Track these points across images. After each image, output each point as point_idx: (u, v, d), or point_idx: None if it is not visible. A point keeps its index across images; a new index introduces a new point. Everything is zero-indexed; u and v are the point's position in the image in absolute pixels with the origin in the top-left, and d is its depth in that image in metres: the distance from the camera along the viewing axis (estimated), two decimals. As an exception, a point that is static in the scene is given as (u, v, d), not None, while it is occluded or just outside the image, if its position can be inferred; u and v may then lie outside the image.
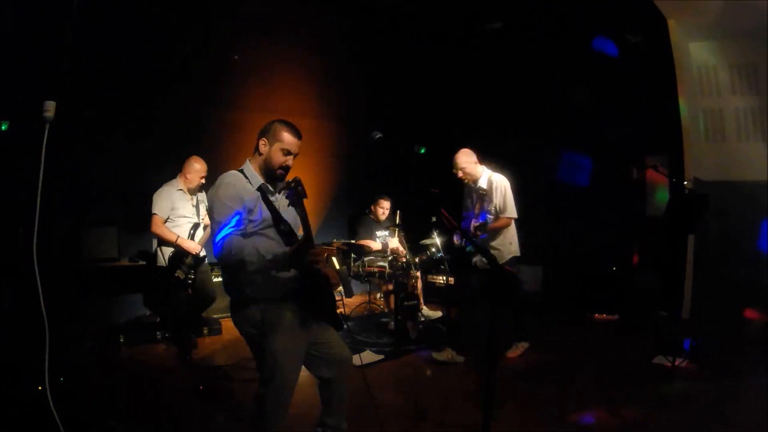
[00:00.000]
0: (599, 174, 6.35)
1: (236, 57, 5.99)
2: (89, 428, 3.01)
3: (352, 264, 5.51)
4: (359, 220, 6.08)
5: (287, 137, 2.43)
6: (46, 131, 2.41)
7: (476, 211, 4.39)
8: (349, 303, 5.86)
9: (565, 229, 6.49)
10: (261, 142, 2.46)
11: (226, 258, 2.23)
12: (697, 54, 5.94)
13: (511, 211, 4.32)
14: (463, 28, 7.01)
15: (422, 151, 5.40)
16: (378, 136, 2.76)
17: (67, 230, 4.83)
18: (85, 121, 4.61)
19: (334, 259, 5.62)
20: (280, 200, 2.50)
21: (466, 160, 4.32)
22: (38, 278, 2.38)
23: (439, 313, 5.89)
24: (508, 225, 4.35)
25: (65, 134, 2.96)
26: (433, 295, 6.45)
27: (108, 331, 4.80)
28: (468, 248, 4.45)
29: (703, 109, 5.99)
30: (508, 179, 4.42)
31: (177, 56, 5.46)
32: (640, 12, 5.64)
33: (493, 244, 4.36)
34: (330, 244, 6.06)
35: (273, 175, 2.45)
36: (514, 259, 4.45)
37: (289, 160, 2.45)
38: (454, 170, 4.37)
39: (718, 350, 4.50)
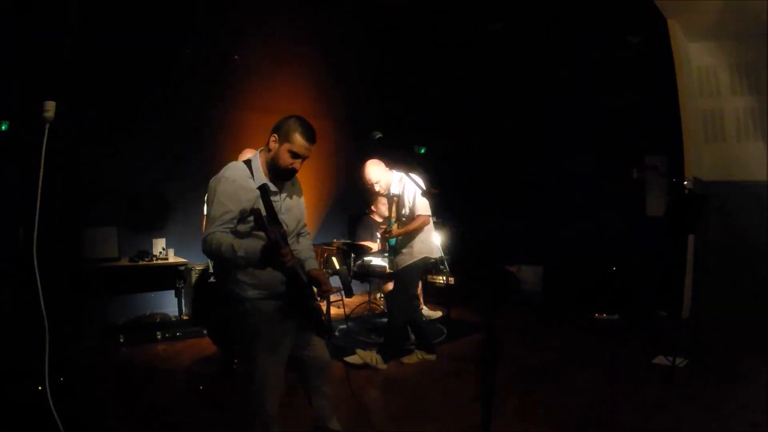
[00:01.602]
0: (599, 174, 6.35)
1: (236, 57, 5.99)
2: (89, 428, 3.01)
3: (352, 264, 5.51)
4: (359, 220, 6.08)
5: (298, 140, 2.32)
6: (46, 131, 2.41)
7: (392, 216, 4.32)
8: (349, 303, 5.86)
9: (566, 229, 6.50)
10: (272, 138, 2.36)
11: (208, 252, 2.25)
12: (697, 54, 5.94)
13: (424, 209, 4.18)
14: (463, 27, 7.01)
15: (422, 151, 5.39)
16: (378, 136, 2.76)
17: (67, 230, 4.84)
18: (86, 121, 4.60)
19: (335, 259, 5.62)
20: (284, 200, 2.46)
21: (381, 171, 4.19)
22: (38, 278, 2.38)
23: (439, 313, 5.89)
24: (426, 223, 4.22)
25: (65, 134, 2.96)
26: (433, 295, 6.45)
27: (108, 331, 4.80)
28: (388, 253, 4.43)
29: (703, 109, 5.99)
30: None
31: (177, 56, 5.46)
32: (640, 12, 5.64)
33: (403, 243, 4.28)
34: (330, 244, 6.06)
35: (278, 174, 2.39)
36: (427, 260, 4.31)
37: (297, 163, 2.35)
38: (369, 185, 4.21)
39: (718, 350, 4.50)
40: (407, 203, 4.22)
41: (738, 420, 3.22)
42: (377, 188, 4.24)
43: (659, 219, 5.80)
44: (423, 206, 4.20)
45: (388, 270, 5.13)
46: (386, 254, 4.49)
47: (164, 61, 5.34)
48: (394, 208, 4.32)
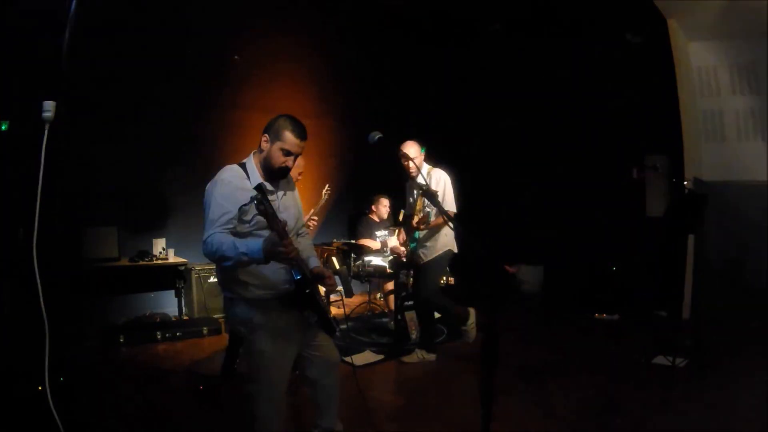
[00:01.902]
0: (599, 174, 6.35)
1: (236, 57, 6.00)
2: (89, 428, 3.01)
3: (352, 264, 5.52)
4: (359, 220, 6.08)
5: (289, 137, 2.33)
6: (46, 131, 2.41)
7: (419, 208, 4.32)
8: (349, 303, 5.86)
9: (566, 229, 6.49)
10: (263, 138, 2.38)
11: (210, 255, 2.24)
12: (697, 54, 5.94)
13: (451, 205, 4.29)
14: (463, 27, 7.01)
15: (422, 150, 5.40)
16: (378, 136, 2.76)
17: (67, 230, 4.84)
18: (86, 121, 4.60)
19: (335, 259, 5.62)
20: (282, 199, 2.47)
21: (416, 151, 4.27)
22: (38, 278, 2.37)
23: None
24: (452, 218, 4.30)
25: (65, 134, 2.95)
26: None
27: (108, 331, 4.81)
28: (411, 245, 4.46)
29: (703, 109, 5.99)
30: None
31: (177, 56, 5.46)
32: (640, 12, 5.64)
33: (427, 236, 4.36)
34: (330, 244, 6.06)
35: (272, 173, 2.41)
36: (450, 253, 4.39)
37: (289, 161, 2.37)
38: (405, 161, 4.22)
39: (718, 350, 4.50)
40: (438, 197, 4.24)
41: (738, 420, 3.22)
42: (412, 165, 4.23)
43: (659, 219, 5.80)
44: (451, 202, 4.30)
45: (388, 270, 5.14)
46: (411, 245, 4.51)
47: (164, 61, 5.34)
48: (421, 201, 4.33)
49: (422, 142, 4.41)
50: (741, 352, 4.50)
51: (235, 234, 2.28)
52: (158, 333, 4.88)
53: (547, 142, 6.78)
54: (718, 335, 4.89)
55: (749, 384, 3.80)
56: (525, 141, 7.03)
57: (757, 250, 5.41)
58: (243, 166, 2.40)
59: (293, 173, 3.59)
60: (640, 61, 5.96)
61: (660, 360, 4.22)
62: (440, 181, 4.29)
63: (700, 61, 5.96)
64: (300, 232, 2.66)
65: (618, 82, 6.08)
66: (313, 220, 4.56)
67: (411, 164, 4.23)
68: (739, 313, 5.22)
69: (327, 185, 4.85)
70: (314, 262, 2.58)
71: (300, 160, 3.59)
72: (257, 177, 2.36)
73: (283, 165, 2.37)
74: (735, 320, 5.18)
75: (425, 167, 4.38)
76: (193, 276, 5.40)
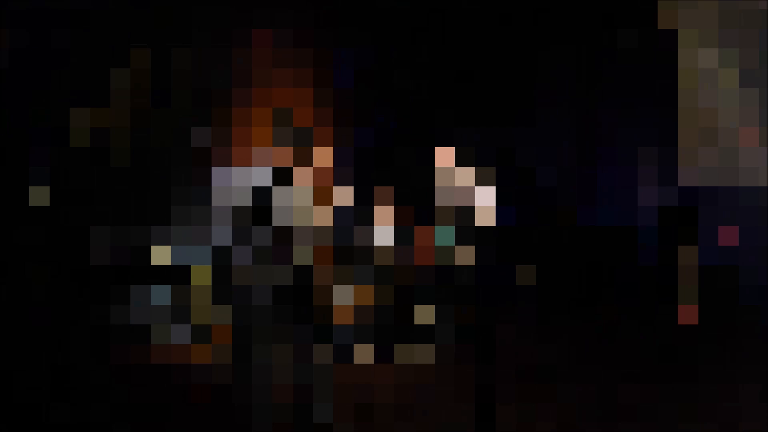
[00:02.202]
0: (598, 173, 6.35)
1: (237, 55, 6.00)
2: (89, 428, 3.01)
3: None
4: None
5: (289, 135, 2.39)
6: (47, 131, 2.42)
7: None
8: (348, 302, 5.86)
9: (565, 228, 6.49)
10: (263, 136, 2.43)
11: (211, 253, 2.26)
12: (697, 54, 5.95)
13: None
14: (460, 24, 7.01)
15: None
16: (377, 135, 2.76)
17: (67, 230, 4.84)
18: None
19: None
20: (283, 198, 2.49)
21: (450, 157, 4.30)
22: (38, 278, 2.38)
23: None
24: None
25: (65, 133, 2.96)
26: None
27: (107, 330, 4.80)
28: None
29: (704, 110, 5.99)
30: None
31: (176, 54, 5.47)
32: (640, 11, 5.64)
33: None
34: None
35: (273, 171, 2.43)
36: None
37: (290, 159, 2.41)
38: (440, 160, 4.33)
39: (718, 350, 4.51)
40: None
41: (739, 420, 3.22)
42: (445, 170, 4.27)
43: (659, 218, 5.80)
44: (487, 213, 4.27)
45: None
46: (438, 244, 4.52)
47: (162, 58, 5.34)
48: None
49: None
50: (741, 352, 4.50)
51: (236, 232, 2.29)
52: (158, 333, 4.87)
53: (545, 142, 6.78)
54: (718, 335, 4.90)
55: (749, 384, 3.80)
56: (523, 140, 7.02)
57: (757, 251, 5.41)
58: (244, 164, 2.42)
59: (312, 171, 3.60)
60: (639, 61, 5.96)
61: (660, 359, 4.22)
62: (474, 190, 4.28)
63: (700, 61, 5.97)
64: (301, 230, 2.66)
65: (617, 81, 6.08)
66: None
67: (444, 169, 4.24)
68: (739, 313, 5.23)
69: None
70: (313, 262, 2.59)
71: (326, 153, 3.61)
72: (258, 175, 2.39)
73: (284, 163, 2.39)
74: (735, 320, 5.19)
75: (462, 171, 4.36)
76: (194, 275, 5.40)
